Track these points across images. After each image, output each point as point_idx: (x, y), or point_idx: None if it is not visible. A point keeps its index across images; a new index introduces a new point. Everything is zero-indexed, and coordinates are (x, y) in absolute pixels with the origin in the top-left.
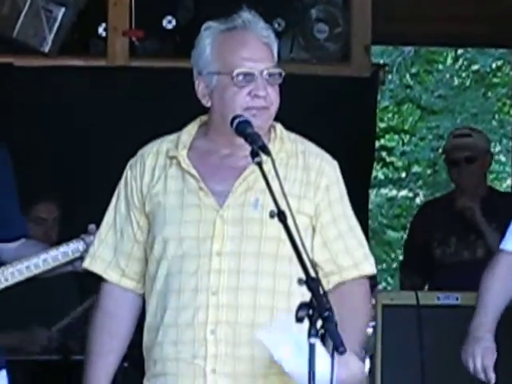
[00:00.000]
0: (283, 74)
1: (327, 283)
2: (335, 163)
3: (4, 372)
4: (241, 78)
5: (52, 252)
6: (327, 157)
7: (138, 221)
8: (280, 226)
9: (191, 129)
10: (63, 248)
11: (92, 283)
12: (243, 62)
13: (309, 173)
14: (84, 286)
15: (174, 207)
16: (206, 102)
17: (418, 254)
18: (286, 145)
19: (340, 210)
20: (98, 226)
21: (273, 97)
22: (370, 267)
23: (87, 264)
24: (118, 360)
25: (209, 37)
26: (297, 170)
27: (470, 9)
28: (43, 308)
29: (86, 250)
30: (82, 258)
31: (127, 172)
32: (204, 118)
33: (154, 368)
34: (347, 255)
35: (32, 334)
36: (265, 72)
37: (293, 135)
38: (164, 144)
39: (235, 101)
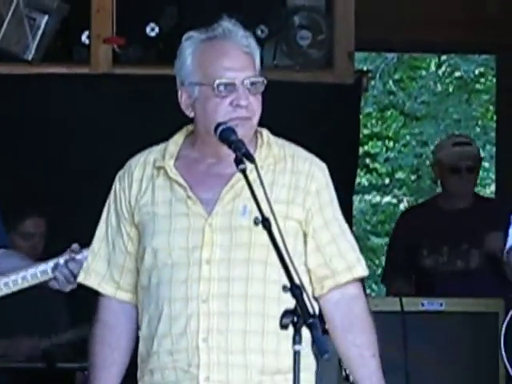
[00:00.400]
0: (265, 82)
1: (321, 288)
2: (324, 166)
3: None
4: (222, 88)
5: (26, 271)
6: (317, 161)
7: (129, 232)
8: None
9: (178, 138)
10: (47, 265)
11: (81, 293)
12: (224, 72)
13: (298, 177)
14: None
15: (162, 217)
16: (190, 113)
17: (402, 261)
18: (274, 150)
19: (331, 213)
20: (85, 242)
21: (255, 106)
22: (362, 270)
23: (81, 279)
24: (121, 372)
25: (190, 47)
26: (285, 175)
27: (453, 15)
28: (30, 316)
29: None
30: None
31: (116, 184)
32: (190, 127)
33: (152, 377)
34: (341, 259)
35: (17, 342)
36: (246, 81)
37: (280, 140)
38: (151, 155)
39: (217, 112)
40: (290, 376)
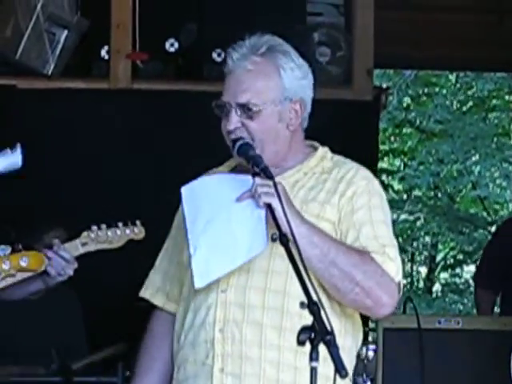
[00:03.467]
0: (261, 107)
1: None
2: (369, 175)
3: None
4: (217, 109)
5: None
6: (362, 169)
7: (183, 245)
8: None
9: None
10: None
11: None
12: (223, 95)
13: (339, 183)
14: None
15: None
16: None
17: (495, 269)
18: (325, 163)
19: (366, 217)
20: None
21: (252, 127)
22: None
23: (141, 293)
24: (162, 381)
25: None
26: (327, 182)
27: (470, 34)
28: (46, 342)
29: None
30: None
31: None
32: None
33: (178, 373)
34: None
35: (33, 369)
36: (234, 104)
37: (342, 158)
38: (211, 173)
39: (223, 131)
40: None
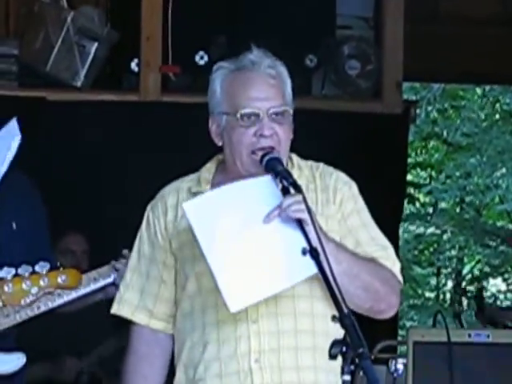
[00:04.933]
0: (291, 111)
1: None
2: (349, 180)
3: None
4: (246, 118)
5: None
6: (342, 176)
7: (164, 260)
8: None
9: (210, 167)
10: (93, 274)
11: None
12: (248, 102)
13: (327, 192)
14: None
15: None
16: (218, 142)
17: None
18: (304, 171)
19: (358, 221)
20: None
21: (281, 135)
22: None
23: (115, 309)
24: None
25: (219, 77)
26: (317, 193)
27: (496, 47)
28: (74, 338)
29: (115, 276)
30: (113, 284)
31: (148, 214)
32: (221, 156)
33: None
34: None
35: (62, 365)
36: (270, 111)
37: (309, 162)
38: (184, 183)
39: (241, 142)
40: None
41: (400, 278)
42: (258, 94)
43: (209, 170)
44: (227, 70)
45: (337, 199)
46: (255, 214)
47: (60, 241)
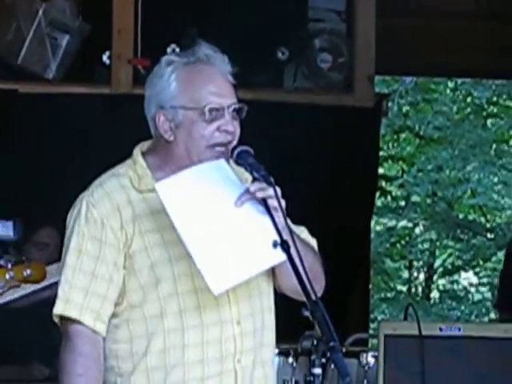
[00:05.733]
0: (245, 108)
1: None
2: None
3: None
4: (209, 113)
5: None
6: None
7: (116, 260)
8: None
9: (140, 164)
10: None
11: None
12: (212, 97)
13: None
14: None
15: (175, 243)
16: (169, 137)
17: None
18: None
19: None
20: None
21: (237, 132)
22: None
23: (61, 310)
24: None
25: (173, 71)
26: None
27: (469, 41)
28: (44, 345)
29: None
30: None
31: (90, 209)
32: (141, 146)
33: None
34: None
35: (29, 369)
36: (231, 107)
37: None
38: (121, 179)
39: (203, 135)
40: None
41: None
42: (218, 89)
43: (140, 164)
44: (181, 64)
45: None
46: (224, 195)
47: (34, 234)
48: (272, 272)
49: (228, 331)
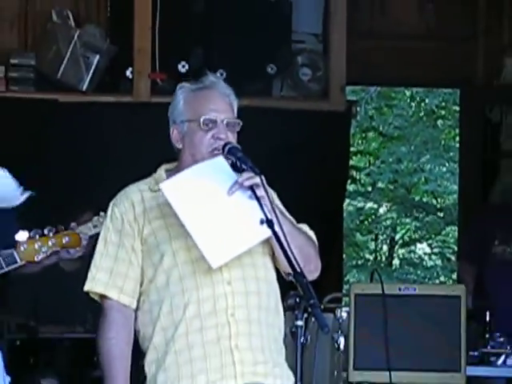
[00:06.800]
0: (240, 123)
1: None
2: None
3: None
4: (205, 124)
5: None
6: None
7: (132, 245)
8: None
9: (160, 173)
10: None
11: None
12: (208, 112)
13: None
14: None
15: (175, 225)
16: (178, 145)
17: (476, 248)
18: None
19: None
20: None
21: (230, 140)
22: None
23: (89, 287)
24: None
25: (182, 94)
26: None
27: (422, 57)
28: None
29: None
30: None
31: (113, 209)
32: (166, 165)
33: (178, 357)
34: None
35: (72, 328)
36: (225, 120)
37: None
38: (141, 186)
39: (202, 143)
40: None
41: (317, 247)
42: (215, 106)
43: (160, 175)
44: (189, 89)
45: None
46: (218, 186)
47: (80, 217)
48: (272, 254)
49: (219, 290)
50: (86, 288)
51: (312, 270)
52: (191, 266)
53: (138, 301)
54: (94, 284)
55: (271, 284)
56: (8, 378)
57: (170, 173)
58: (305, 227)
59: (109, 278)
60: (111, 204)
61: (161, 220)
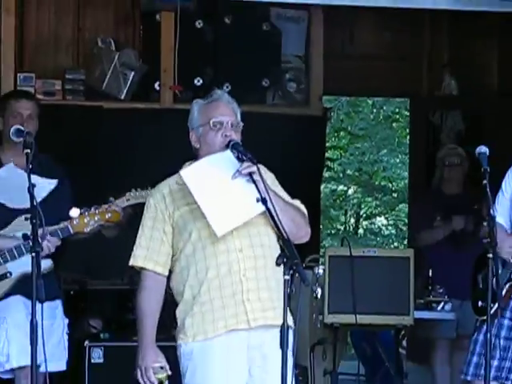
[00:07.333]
0: (242, 125)
1: None
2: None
3: (59, 301)
4: (214, 125)
5: None
6: (265, 169)
7: (164, 228)
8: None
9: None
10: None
11: None
12: (217, 116)
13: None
14: None
15: (197, 209)
16: (196, 146)
17: (423, 222)
18: None
19: (277, 189)
20: None
21: (234, 137)
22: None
23: (131, 262)
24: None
25: (196, 106)
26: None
27: (381, 73)
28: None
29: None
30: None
31: (150, 201)
32: (188, 163)
33: (202, 307)
34: None
35: (112, 282)
36: (229, 122)
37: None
38: (170, 181)
39: (214, 141)
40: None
41: (307, 217)
42: (222, 112)
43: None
44: (201, 103)
45: (267, 180)
46: (225, 173)
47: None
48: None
49: (233, 256)
50: (130, 263)
51: (303, 235)
52: (210, 239)
53: (173, 266)
54: (135, 259)
55: (273, 248)
56: (66, 320)
57: None
58: (297, 202)
59: (146, 253)
60: (148, 197)
61: (186, 206)
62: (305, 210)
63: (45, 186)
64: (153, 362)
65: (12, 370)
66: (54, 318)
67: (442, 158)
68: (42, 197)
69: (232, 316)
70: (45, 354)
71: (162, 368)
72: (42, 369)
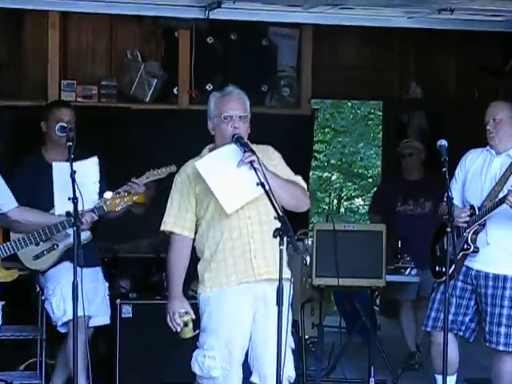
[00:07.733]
0: (249, 116)
1: None
2: (277, 152)
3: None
4: (225, 117)
5: None
6: (273, 149)
7: (189, 199)
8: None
9: (205, 151)
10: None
11: None
12: (227, 110)
13: (268, 157)
14: None
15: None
16: (212, 133)
17: (382, 206)
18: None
19: (281, 168)
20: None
21: (243, 129)
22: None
23: (162, 227)
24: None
25: (213, 99)
26: (264, 158)
27: (360, 80)
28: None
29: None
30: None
31: (176, 178)
32: (209, 146)
33: (218, 264)
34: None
35: (137, 244)
36: (238, 115)
37: (258, 145)
38: (192, 163)
39: (226, 131)
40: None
41: (307, 191)
42: (232, 106)
43: (204, 153)
44: (217, 96)
45: (275, 159)
46: (231, 162)
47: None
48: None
49: (243, 222)
50: (161, 228)
51: (303, 205)
52: (224, 211)
53: (197, 229)
54: (165, 225)
55: (271, 224)
56: (106, 284)
57: (210, 149)
58: (298, 178)
59: (174, 220)
60: (176, 175)
61: (204, 184)
62: (304, 185)
63: (92, 166)
64: (179, 308)
65: (66, 324)
66: (97, 281)
67: (400, 151)
68: (98, 179)
69: (242, 271)
70: (84, 310)
71: (186, 313)
72: (91, 322)
